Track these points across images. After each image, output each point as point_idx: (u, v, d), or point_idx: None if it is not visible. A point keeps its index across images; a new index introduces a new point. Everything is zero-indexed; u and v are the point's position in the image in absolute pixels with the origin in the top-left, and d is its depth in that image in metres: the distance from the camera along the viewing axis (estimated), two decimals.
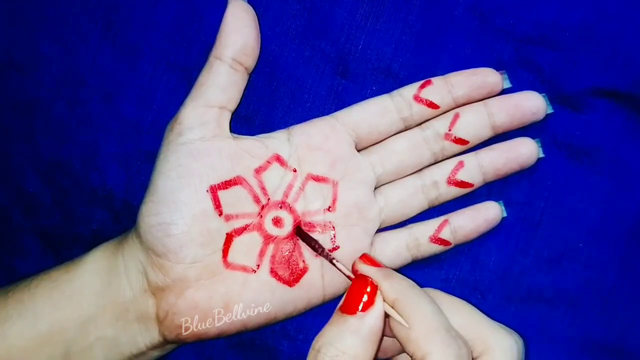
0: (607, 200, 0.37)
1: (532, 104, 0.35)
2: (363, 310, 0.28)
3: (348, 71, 0.38)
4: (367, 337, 0.28)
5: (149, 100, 0.39)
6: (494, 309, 0.37)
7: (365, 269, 0.31)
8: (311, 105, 0.38)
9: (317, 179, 0.35)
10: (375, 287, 0.29)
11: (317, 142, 0.35)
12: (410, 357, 0.28)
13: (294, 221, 0.35)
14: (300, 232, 0.35)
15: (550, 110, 0.36)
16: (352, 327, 0.28)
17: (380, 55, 0.38)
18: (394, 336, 0.29)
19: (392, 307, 0.29)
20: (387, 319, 0.29)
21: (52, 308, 0.33)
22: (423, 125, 0.36)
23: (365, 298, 0.29)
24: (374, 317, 0.28)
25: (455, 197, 0.37)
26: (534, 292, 0.38)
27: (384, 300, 0.29)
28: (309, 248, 0.34)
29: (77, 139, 0.39)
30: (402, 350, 0.30)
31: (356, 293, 0.29)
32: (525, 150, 0.36)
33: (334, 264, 0.33)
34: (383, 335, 0.29)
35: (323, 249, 0.34)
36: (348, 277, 0.32)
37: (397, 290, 0.29)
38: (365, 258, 0.32)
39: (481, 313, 0.30)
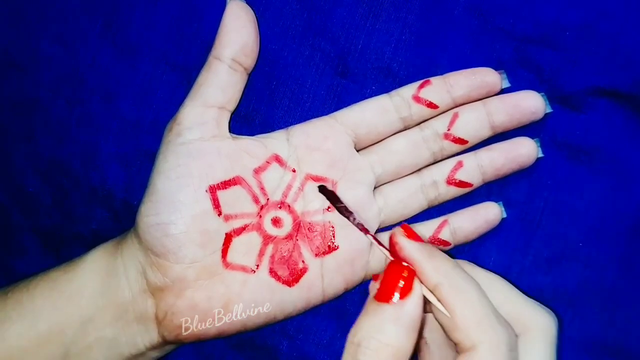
0: (607, 199, 0.37)
1: (531, 104, 0.35)
2: (401, 297, 0.26)
3: (348, 71, 0.38)
4: (409, 325, 0.26)
5: (149, 100, 0.39)
6: None
7: (405, 244, 0.28)
8: (311, 105, 0.38)
9: (316, 179, 0.35)
10: (412, 272, 0.27)
11: (316, 142, 0.35)
12: (456, 344, 0.26)
13: (293, 221, 0.35)
14: (325, 191, 0.32)
15: (549, 110, 0.36)
16: (392, 316, 0.26)
17: (379, 55, 0.38)
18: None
19: (435, 291, 0.27)
20: (427, 304, 0.27)
21: (51, 309, 0.33)
22: (422, 125, 0.36)
23: (401, 284, 0.26)
24: (413, 305, 0.26)
25: (454, 197, 0.37)
26: (534, 292, 0.37)
27: (425, 285, 0.27)
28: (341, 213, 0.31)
29: (77, 138, 0.39)
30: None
31: (392, 279, 0.27)
32: (525, 150, 0.36)
33: (357, 226, 0.30)
34: (423, 322, 0.27)
35: (351, 212, 0.31)
36: (383, 246, 0.29)
37: (441, 273, 0.27)
38: (406, 229, 0.29)
39: (517, 290, 0.29)
